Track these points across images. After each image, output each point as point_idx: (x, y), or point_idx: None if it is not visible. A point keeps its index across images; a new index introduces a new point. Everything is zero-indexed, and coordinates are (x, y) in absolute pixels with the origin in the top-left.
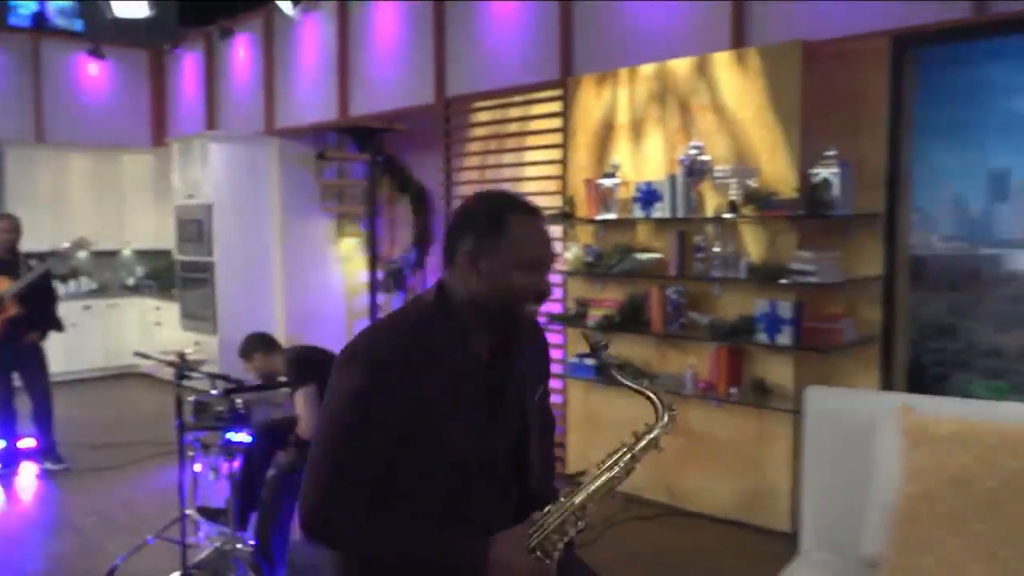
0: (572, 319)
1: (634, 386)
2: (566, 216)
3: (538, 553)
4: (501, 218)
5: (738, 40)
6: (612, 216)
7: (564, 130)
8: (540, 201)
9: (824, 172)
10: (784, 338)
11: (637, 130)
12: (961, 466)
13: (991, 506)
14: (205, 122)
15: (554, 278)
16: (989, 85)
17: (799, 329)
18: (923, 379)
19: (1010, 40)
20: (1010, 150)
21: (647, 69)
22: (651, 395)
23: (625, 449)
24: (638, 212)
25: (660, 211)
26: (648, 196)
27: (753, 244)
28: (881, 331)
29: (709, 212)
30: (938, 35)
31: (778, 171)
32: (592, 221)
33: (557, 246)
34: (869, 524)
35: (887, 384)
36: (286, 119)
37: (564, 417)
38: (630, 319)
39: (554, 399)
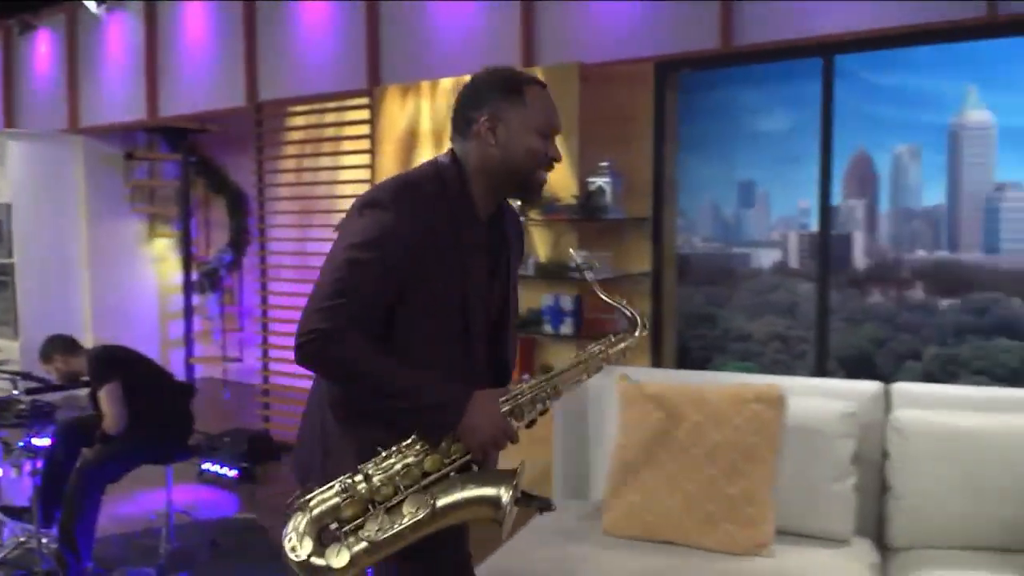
0: None
1: (615, 302)
2: None
3: (509, 417)
4: (519, 88)
5: (527, 59)
6: None
7: (372, 137)
8: (351, 204)
9: (599, 181)
10: (567, 328)
11: (439, 139)
12: (658, 420)
13: (680, 449)
14: (2, 120)
15: None
16: (738, 106)
17: (580, 320)
18: (688, 362)
19: (753, 68)
20: (754, 163)
21: (447, 83)
22: (630, 311)
23: (600, 348)
24: None
25: None
26: None
27: (540, 244)
28: (652, 320)
29: None
30: (693, 62)
31: (560, 179)
32: None
33: None
34: (597, 473)
35: (657, 366)
36: (91, 118)
37: None
38: None
39: None
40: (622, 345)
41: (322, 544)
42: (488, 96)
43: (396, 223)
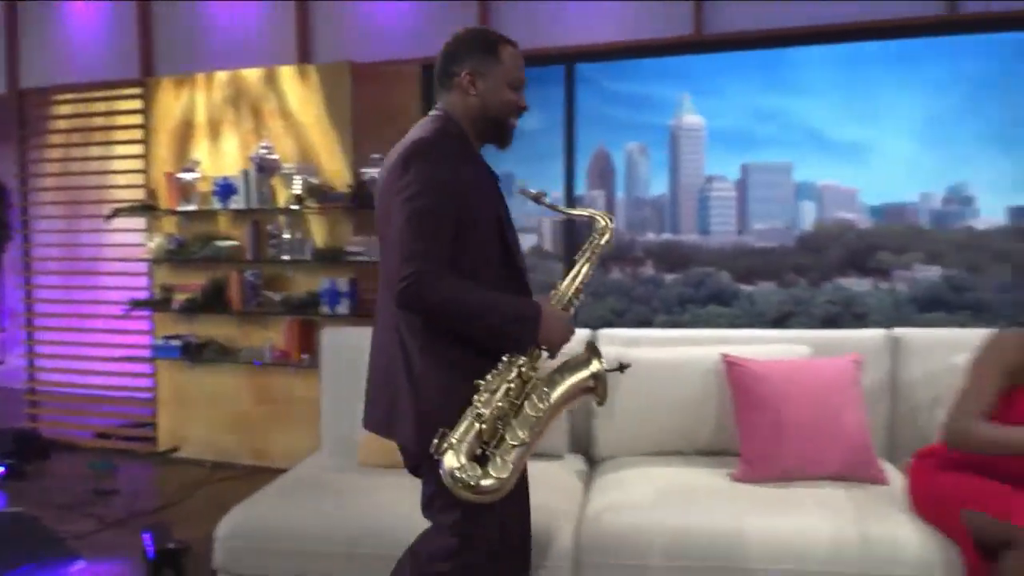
0: (158, 304)
1: (574, 212)
2: (148, 208)
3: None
4: (495, 46)
5: (302, 56)
6: (193, 207)
7: (145, 127)
8: (124, 194)
9: (371, 172)
10: (343, 308)
11: (215, 130)
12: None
13: None
14: None
15: (140, 266)
16: None
17: (356, 300)
18: None
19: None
20: (512, 159)
21: (222, 76)
22: (592, 213)
23: (589, 248)
24: (217, 204)
25: (237, 203)
26: (225, 189)
27: (317, 231)
28: None
29: (280, 203)
30: None
31: (335, 170)
32: (175, 212)
33: (141, 236)
34: (357, 421)
35: None
36: None
37: (155, 398)
38: (213, 300)
39: (145, 382)
40: (605, 238)
41: (482, 466)
42: (468, 53)
43: (434, 169)
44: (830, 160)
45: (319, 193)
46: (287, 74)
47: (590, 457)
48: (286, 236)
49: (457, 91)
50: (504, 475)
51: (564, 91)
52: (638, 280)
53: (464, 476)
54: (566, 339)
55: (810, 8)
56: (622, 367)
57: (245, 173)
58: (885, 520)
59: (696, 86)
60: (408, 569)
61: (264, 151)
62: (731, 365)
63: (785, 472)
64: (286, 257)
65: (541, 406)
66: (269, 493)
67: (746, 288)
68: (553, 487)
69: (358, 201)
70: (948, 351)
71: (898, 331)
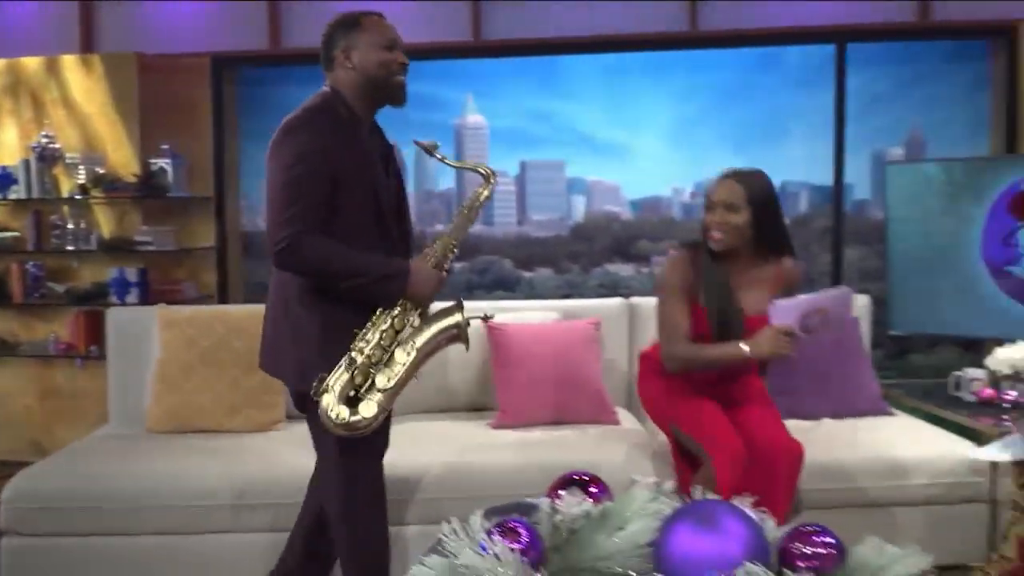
0: None
1: (458, 165)
2: None
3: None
4: (357, 20)
5: (86, 47)
6: None
7: None
8: None
9: (160, 162)
10: (132, 298)
11: None
12: (191, 336)
13: (209, 357)
14: None
15: None
16: (293, 102)
17: (147, 291)
18: None
19: (302, 68)
20: None
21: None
22: (475, 165)
23: (466, 208)
24: None
25: (16, 193)
26: (3, 180)
27: (104, 221)
28: (217, 290)
29: (64, 193)
30: (246, 59)
31: (122, 159)
32: None
33: None
34: (144, 394)
35: None
36: None
37: None
38: None
39: None
40: (485, 194)
41: (352, 407)
42: (337, 35)
43: (310, 139)
44: (597, 158)
45: (105, 182)
46: (70, 63)
47: None
48: (70, 226)
49: (339, 69)
50: (369, 414)
51: None
52: None
53: (334, 415)
54: (433, 295)
55: (579, 20)
56: (486, 317)
57: (25, 163)
58: (601, 450)
59: (479, 88)
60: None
61: (45, 140)
62: (491, 329)
63: (534, 419)
64: (70, 247)
65: (409, 355)
66: (56, 459)
67: (527, 274)
68: None
69: (146, 190)
70: None
71: (634, 299)
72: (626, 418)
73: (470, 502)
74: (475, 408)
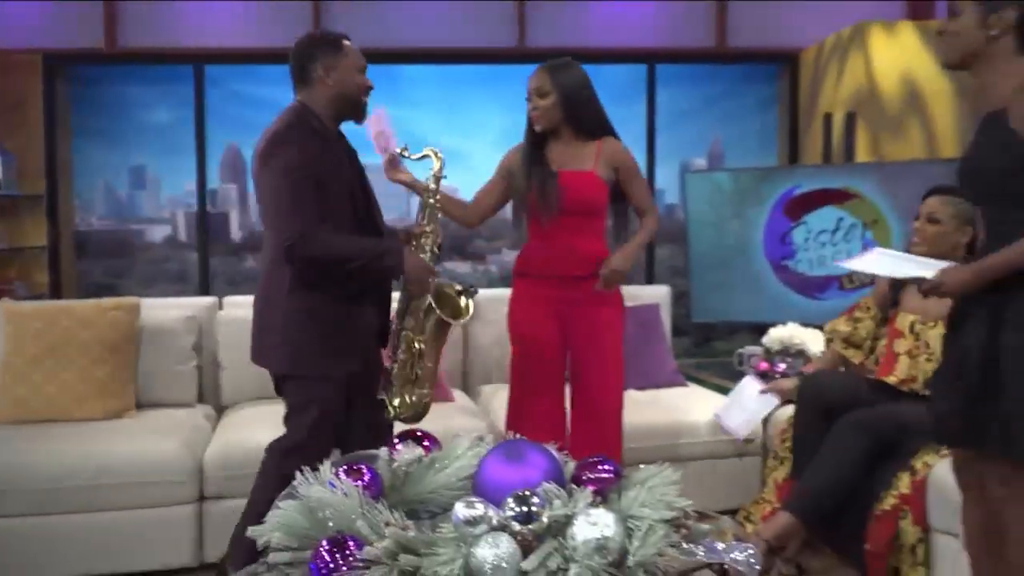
0: None
1: (415, 156)
2: None
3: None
4: (339, 43)
5: None
6: None
7: None
8: None
9: None
10: None
11: None
12: (37, 330)
13: (57, 350)
14: None
15: None
16: (128, 100)
17: None
18: None
19: (138, 68)
20: (145, 151)
21: None
22: (429, 151)
23: (433, 186)
24: None
25: None
26: None
27: None
28: (49, 290)
29: None
30: (81, 58)
31: None
32: None
33: None
34: None
35: None
36: None
37: None
38: None
39: None
40: (434, 171)
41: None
42: (316, 53)
43: (300, 149)
44: None
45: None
46: None
47: (219, 405)
48: None
49: (317, 84)
50: (424, 398)
51: (194, 90)
52: None
53: (404, 409)
54: (425, 278)
55: (419, 32)
56: (469, 290)
57: None
58: (441, 420)
59: None
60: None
61: None
62: None
63: None
64: None
65: (420, 345)
66: None
67: None
68: (185, 428)
69: None
70: (501, 305)
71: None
72: (461, 397)
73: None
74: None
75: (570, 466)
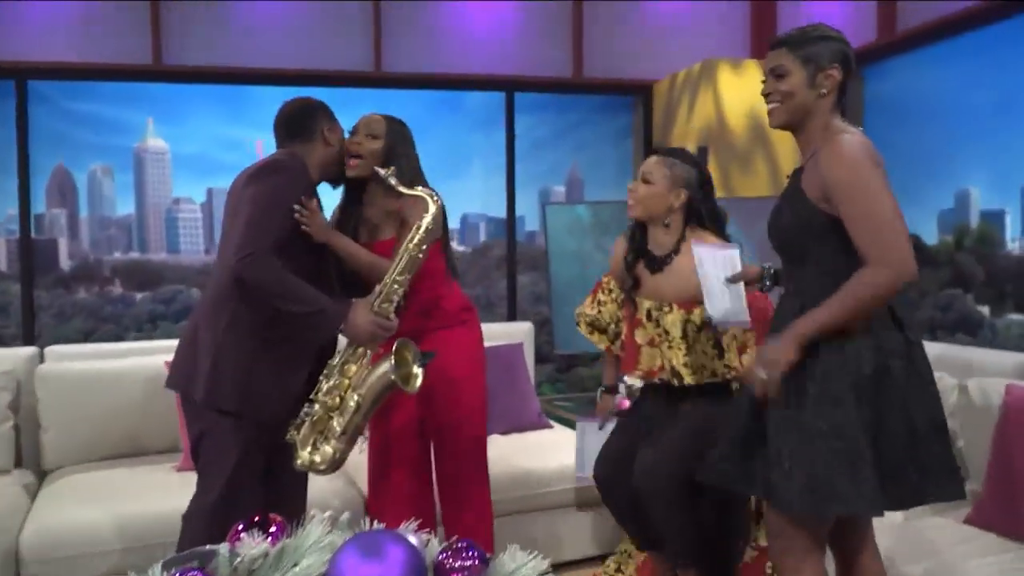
0: None
1: (416, 191)
2: None
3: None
4: (332, 113)
5: None
6: None
7: None
8: None
9: None
10: None
11: None
12: None
13: None
14: None
15: None
16: None
17: None
18: None
19: None
20: None
21: None
22: (427, 191)
23: (414, 234)
24: None
25: None
26: None
27: None
28: None
29: None
30: None
31: None
32: None
33: None
34: None
35: None
36: None
37: None
38: None
39: None
40: (427, 222)
41: (314, 449)
42: (320, 115)
43: (289, 184)
44: None
45: None
46: None
47: (40, 471)
48: None
49: (319, 143)
50: (329, 452)
51: (15, 107)
52: (107, 299)
53: (299, 460)
54: (374, 337)
55: (266, 51)
56: (423, 361)
57: None
58: None
59: (161, 112)
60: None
61: None
62: None
63: None
64: None
65: (354, 403)
66: None
67: None
68: None
69: None
70: None
71: None
72: None
73: (152, 550)
74: (160, 451)
75: (434, 549)
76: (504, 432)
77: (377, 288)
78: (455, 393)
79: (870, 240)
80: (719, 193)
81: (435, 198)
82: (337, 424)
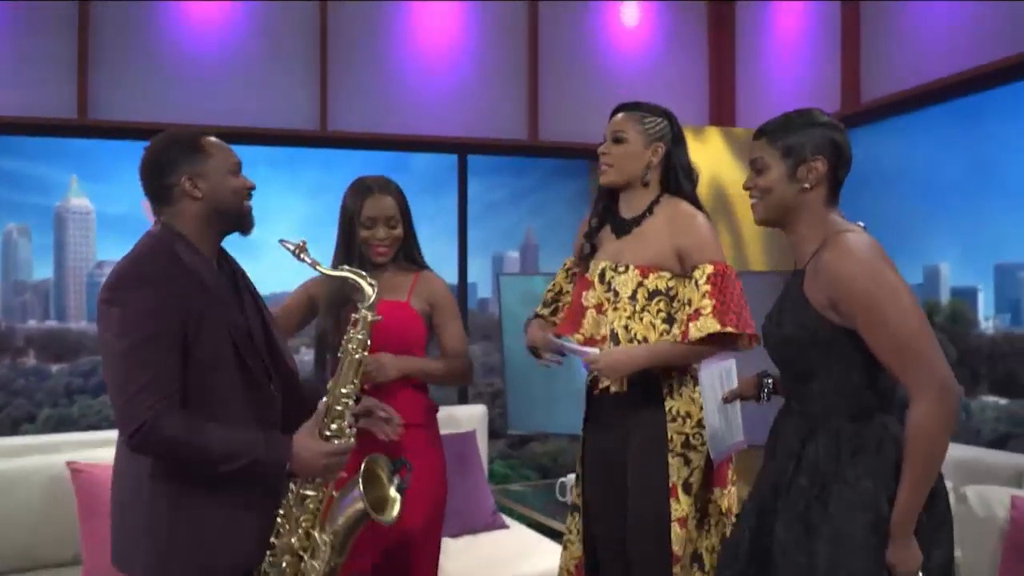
0: None
1: (336, 273)
2: None
3: (333, 439)
4: (197, 142)
5: None
6: None
7: None
8: None
9: None
10: None
11: None
12: None
13: None
14: None
15: None
16: None
17: None
18: None
19: None
20: None
21: None
22: (355, 275)
23: (351, 333)
24: None
25: None
26: None
27: None
28: None
29: None
30: None
31: None
32: None
33: None
34: None
35: None
36: None
37: None
38: None
39: None
40: (365, 313)
41: None
42: (176, 160)
43: (147, 296)
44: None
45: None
46: None
47: None
48: None
49: (183, 200)
50: None
51: None
52: (19, 371)
53: None
54: (328, 470)
55: (202, 107)
56: (401, 482)
57: None
58: None
59: (85, 169)
60: None
61: None
62: (76, 472)
63: None
64: None
65: (327, 544)
66: None
67: None
68: None
69: None
70: None
71: None
72: None
73: None
74: (61, 564)
75: None
76: (455, 535)
77: (320, 406)
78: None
79: (906, 363)
80: None
81: (370, 282)
82: (314, 567)
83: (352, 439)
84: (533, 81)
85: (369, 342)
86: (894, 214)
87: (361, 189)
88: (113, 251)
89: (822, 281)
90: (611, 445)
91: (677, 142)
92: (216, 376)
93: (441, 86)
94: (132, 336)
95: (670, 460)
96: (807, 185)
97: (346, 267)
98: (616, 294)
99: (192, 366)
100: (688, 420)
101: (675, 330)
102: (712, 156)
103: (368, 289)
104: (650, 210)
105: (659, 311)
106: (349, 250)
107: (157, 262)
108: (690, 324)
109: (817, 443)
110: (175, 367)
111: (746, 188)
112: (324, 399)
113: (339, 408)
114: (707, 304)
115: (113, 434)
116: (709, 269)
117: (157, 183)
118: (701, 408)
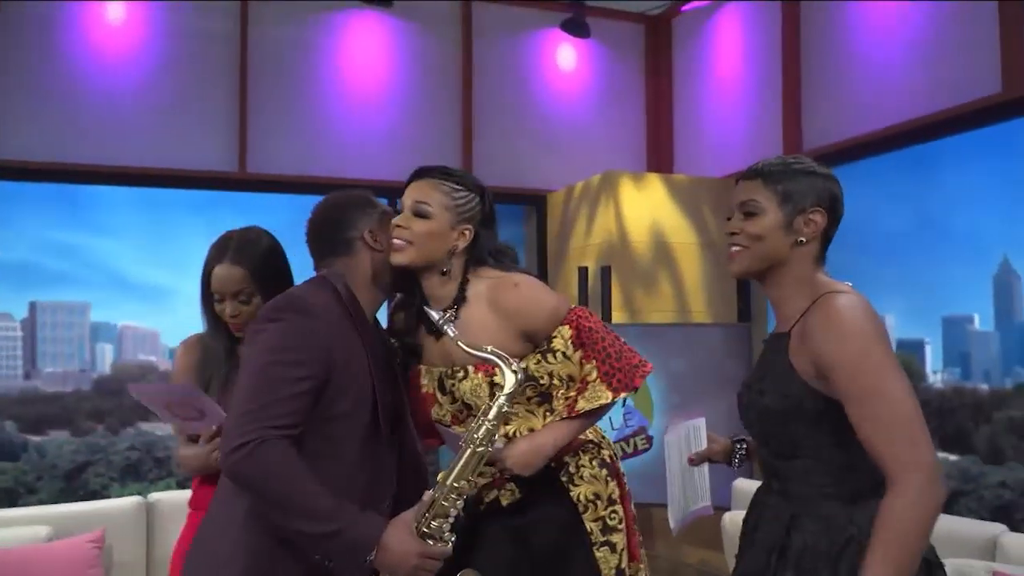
0: None
1: (478, 353)
2: None
3: (428, 539)
4: (371, 202)
5: None
6: None
7: None
8: None
9: None
10: None
11: None
12: None
13: None
14: None
15: None
16: None
17: None
18: None
19: None
20: None
21: None
22: (497, 358)
23: (481, 421)
24: None
25: None
26: None
27: None
28: None
29: None
30: None
31: None
32: None
33: None
34: None
35: None
36: None
37: None
38: None
39: None
40: (499, 403)
41: None
42: (359, 215)
43: (300, 324)
44: (131, 301)
45: None
46: None
47: None
48: None
49: (363, 252)
50: None
51: None
52: None
53: None
54: (414, 572)
55: (112, 147)
56: None
57: None
58: None
59: None
60: None
61: None
62: None
63: None
64: None
65: None
66: None
67: (35, 439)
68: None
69: None
70: None
71: (153, 496)
72: None
73: None
74: None
75: None
76: None
77: (425, 497)
78: None
79: (894, 444)
80: (621, 318)
81: (514, 369)
82: None
83: (450, 544)
84: (468, 124)
85: (497, 436)
86: (839, 265)
87: (213, 252)
88: (6, 303)
89: (809, 347)
90: (520, 564)
91: (487, 224)
92: (344, 427)
93: (370, 127)
94: (276, 354)
95: (597, 555)
96: (803, 239)
97: (490, 348)
98: (467, 407)
99: (323, 411)
100: (599, 502)
101: (555, 405)
102: (652, 203)
103: (511, 377)
104: (462, 297)
105: (529, 398)
106: (214, 317)
107: (317, 297)
108: (579, 397)
109: (804, 532)
110: (303, 402)
111: (730, 233)
112: (430, 491)
113: (445, 504)
114: (590, 369)
115: None
116: (567, 333)
117: (337, 234)
118: (607, 482)
